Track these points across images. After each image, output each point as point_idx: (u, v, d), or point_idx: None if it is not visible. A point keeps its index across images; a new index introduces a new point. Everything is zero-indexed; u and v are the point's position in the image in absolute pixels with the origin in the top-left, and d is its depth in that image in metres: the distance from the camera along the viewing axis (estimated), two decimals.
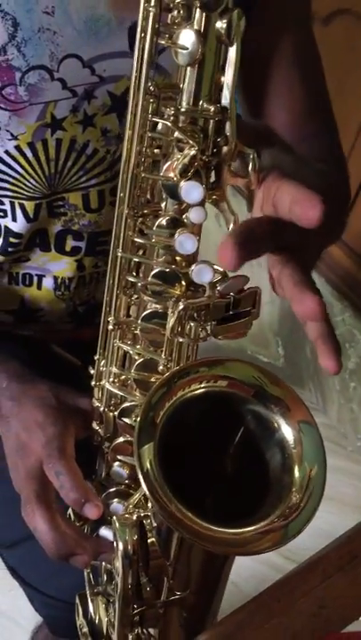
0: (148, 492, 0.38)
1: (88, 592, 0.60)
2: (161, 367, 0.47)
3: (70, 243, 0.64)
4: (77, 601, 0.61)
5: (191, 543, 0.43)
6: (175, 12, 0.38)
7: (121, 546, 0.47)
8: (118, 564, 0.47)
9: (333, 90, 0.63)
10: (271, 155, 0.42)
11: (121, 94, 0.55)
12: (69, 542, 0.51)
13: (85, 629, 0.60)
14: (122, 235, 0.45)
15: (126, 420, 0.51)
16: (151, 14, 0.38)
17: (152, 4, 0.38)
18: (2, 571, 0.76)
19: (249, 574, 1.00)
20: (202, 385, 0.43)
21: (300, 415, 0.41)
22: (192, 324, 0.45)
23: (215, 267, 0.44)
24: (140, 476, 0.39)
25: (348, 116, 1.09)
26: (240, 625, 0.44)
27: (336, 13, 1.23)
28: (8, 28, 0.50)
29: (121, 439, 0.52)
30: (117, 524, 0.47)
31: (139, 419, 0.41)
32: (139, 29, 0.40)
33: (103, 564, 0.57)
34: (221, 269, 0.44)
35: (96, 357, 0.52)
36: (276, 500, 0.41)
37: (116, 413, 0.51)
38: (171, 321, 0.44)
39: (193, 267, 0.43)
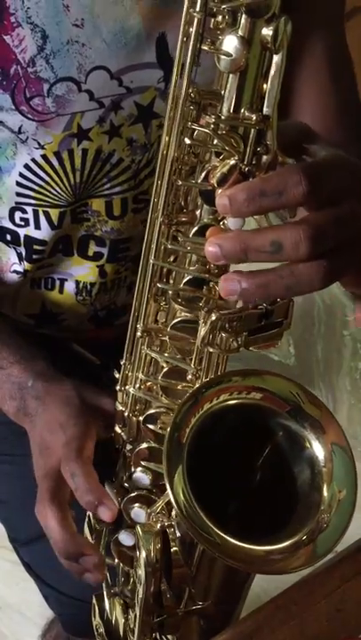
0: (189, 529, 0.38)
1: (105, 593, 0.60)
2: (190, 376, 0.46)
3: (93, 248, 0.64)
4: (94, 601, 0.61)
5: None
6: (219, 18, 0.37)
7: (144, 554, 0.46)
8: (141, 572, 0.47)
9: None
10: (324, 148, 0.41)
11: (147, 105, 0.55)
12: (79, 542, 0.51)
13: (102, 630, 0.60)
14: (154, 242, 0.45)
15: (151, 426, 0.50)
16: (196, 19, 0.37)
17: (197, 8, 0.37)
18: (10, 564, 0.76)
19: None
20: (233, 396, 0.42)
21: (334, 437, 0.41)
22: (223, 335, 0.44)
23: None
24: (179, 513, 0.38)
25: None
26: (258, 626, 0.44)
27: (357, 10, 1.21)
28: (37, 40, 0.49)
29: (144, 445, 0.52)
30: (141, 533, 0.47)
31: (166, 440, 0.40)
32: (181, 34, 0.39)
33: (121, 565, 0.57)
34: None
35: (122, 362, 0.52)
36: (305, 516, 0.41)
37: (140, 419, 0.51)
38: (202, 331, 0.44)
39: None
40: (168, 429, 0.41)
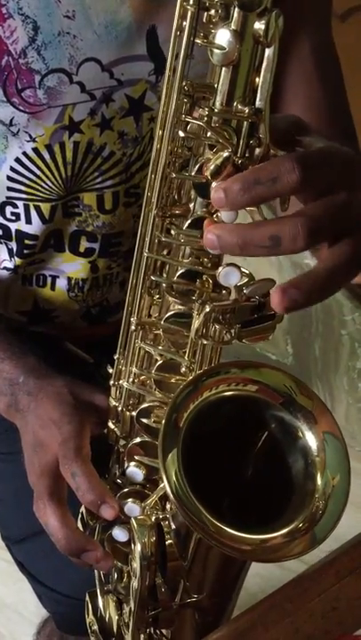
0: (180, 512, 0.38)
1: (98, 590, 0.60)
2: (184, 369, 0.47)
3: (84, 244, 0.64)
4: (87, 599, 0.61)
5: (209, 546, 0.43)
6: (212, 11, 0.38)
7: (139, 547, 0.46)
8: (136, 565, 0.47)
9: (349, 86, 0.62)
10: (317, 140, 0.41)
11: (138, 97, 0.55)
12: (80, 538, 0.51)
13: (95, 627, 0.60)
14: (148, 234, 0.45)
15: (144, 420, 0.50)
16: (189, 13, 0.38)
17: (190, 2, 0.37)
18: (6, 563, 0.76)
19: (254, 572, 1.00)
20: (230, 387, 0.43)
21: (326, 426, 0.41)
22: (217, 327, 0.44)
23: (242, 269, 0.43)
24: (170, 495, 0.39)
25: None
26: (252, 624, 0.44)
27: (353, 10, 1.22)
28: (29, 31, 0.50)
29: (138, 439, 0.52)
30: (136, 526, 0.47)
31: (164, 420, 0.41)
32: (174, 27, 0.39)
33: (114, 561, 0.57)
34: (248, 272, 0.44)
35: (116, 357, 0.52)
36: (300, 505, 0.41)
37: (134, 413, 0.51)
38: (196, 323, 0.44)
39: (220, 269, 0.43)
40: (167, 410, 0.41)
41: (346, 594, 0.45)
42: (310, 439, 0.42)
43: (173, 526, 0.47)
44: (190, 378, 0.43)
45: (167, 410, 0.41)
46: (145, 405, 0.50)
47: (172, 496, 0.39)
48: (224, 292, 0.44)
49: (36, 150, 0.56)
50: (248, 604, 0.45)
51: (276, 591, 0.45)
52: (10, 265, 0.64)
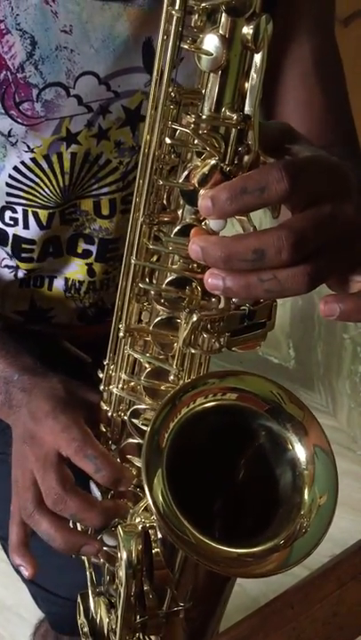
0: (164, 528, 0.37)
1: (90, 591, 0.60)
2: (172, 377, 0.46)
3: (82, 245, 0.64)
4: (79, 600, 0.61)
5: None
6: (199, 16, 0.37)
7: (125, 555, 0.46)
8: (122, 573, 0.47)
9: (351, 91, 0.62)
10: (306, 148, 0.41)
11: (135, 108, 0.56)
12: (77, 537, 0.51)
13: (86, 629, 0.60)
14: (136, 241, 0.44)
15: (135, 421, 0.50)
16: (175, 17, 0.37)
17: (176, 7, 0.37)
18: (6, 564, 0.76)
19: None
20: (210, 398, 0.42)
21: (317, 439, 0.40)
22: (205, 336, 0.44)
23: None
24: (157, 516, 0.38)
25: None
26: (253, 630, 0.43)
27: (356, 14, 1.21)
28: (26, 46, 0.50)
29: (130, 440, 0.51)
30: (122, 533, 0.47)
31: (145, 445, 0.40)
32: (161, 32, 0.39)
33: (106, 565, 0.57)
34: None
35: (105, 362, 0.51)
36: (285, 520, 0.41)
37: (125, 417, 0.51)
38: (184, 333, 0.43)
39: None
40: (146, 434, 0.41)
41: (347, 600, 0.45)
42: (299, 451, 0.41)
43: (160, 535, 0.46)
44: (167, 397, 0.43)
45: (147, 434, 0.41)
46: (137, 407, 0.50)
47: (158, 515, 0.38)
48: (213, 299, 0.44)
49: (34, 160, 0.56)
50: (250, 609, 0.44)
51: (278, 597, 0.44)
52: (11, 263, 0.65)
